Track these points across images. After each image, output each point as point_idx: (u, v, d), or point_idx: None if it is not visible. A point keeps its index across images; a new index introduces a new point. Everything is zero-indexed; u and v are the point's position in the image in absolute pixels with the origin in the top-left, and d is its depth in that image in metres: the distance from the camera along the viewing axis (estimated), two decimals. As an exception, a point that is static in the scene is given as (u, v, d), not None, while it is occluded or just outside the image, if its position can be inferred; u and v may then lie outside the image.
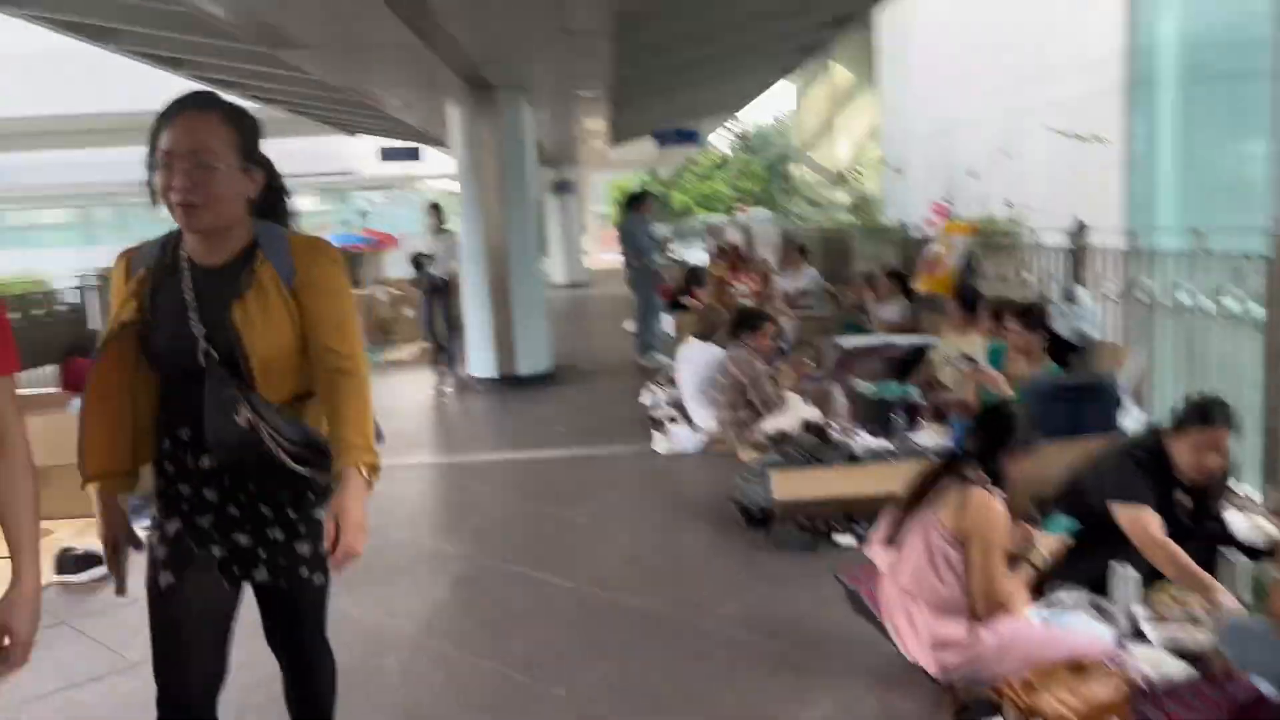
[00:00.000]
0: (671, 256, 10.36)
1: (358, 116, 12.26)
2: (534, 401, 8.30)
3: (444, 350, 9.28)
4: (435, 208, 9.33)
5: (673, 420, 6.87)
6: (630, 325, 12.55)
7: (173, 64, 8.27)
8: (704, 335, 6.73)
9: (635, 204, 9.80)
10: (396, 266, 20.47)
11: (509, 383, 8.86)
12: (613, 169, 42.53)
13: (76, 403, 2.12)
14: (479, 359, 9.03)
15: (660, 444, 6.28)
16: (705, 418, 6.61)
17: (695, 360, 6.69)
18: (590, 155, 23.43)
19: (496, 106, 8.62)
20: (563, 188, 21.36)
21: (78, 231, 48.92)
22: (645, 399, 7.76)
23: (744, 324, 6.29)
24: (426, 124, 11.67)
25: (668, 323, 10.99)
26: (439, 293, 9.19)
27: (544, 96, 9.45)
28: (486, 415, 8.12)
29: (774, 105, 55.88)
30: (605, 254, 38.19)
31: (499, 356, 8.86)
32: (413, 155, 17.66)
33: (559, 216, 21.57)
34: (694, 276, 12.81)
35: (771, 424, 6.09)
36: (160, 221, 2.01)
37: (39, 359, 7.77)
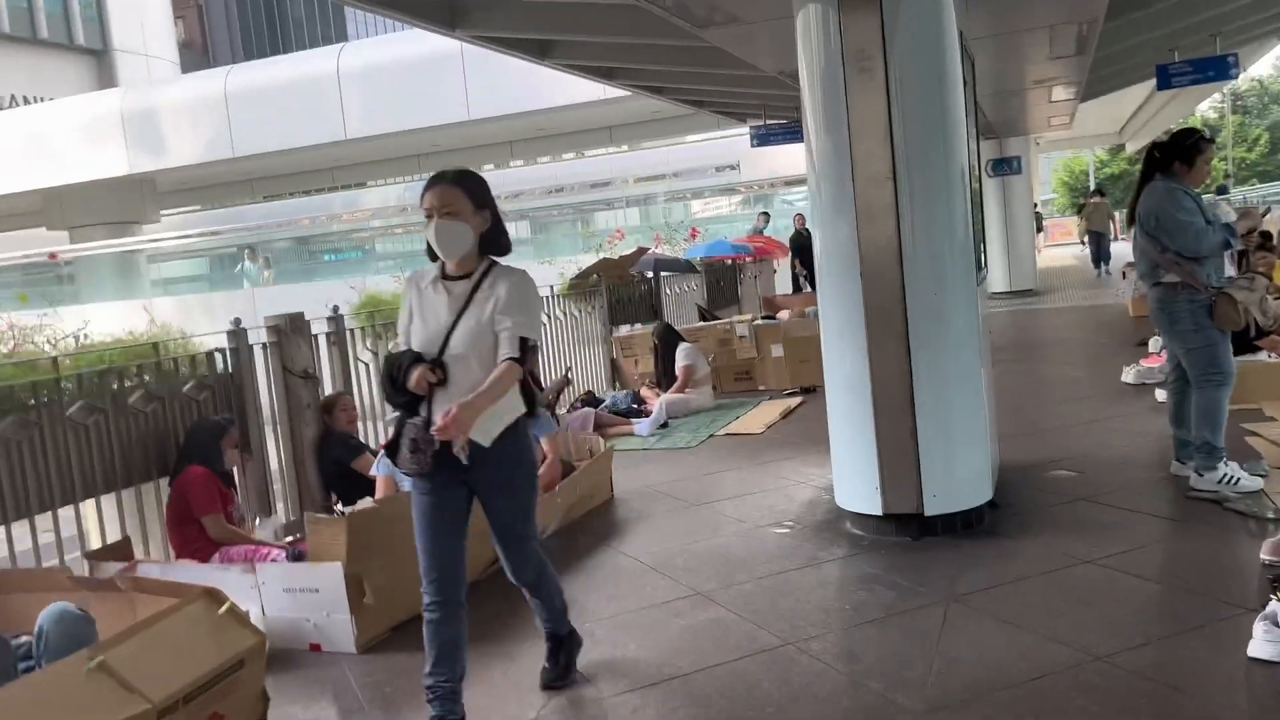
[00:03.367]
0: (1239, 249, 5.15)
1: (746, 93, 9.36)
2: (946, 592, 3.63)
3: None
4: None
5: None
6: (1130, 374, 7.41)
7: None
8: None
9: (1169, 156, 4.77)
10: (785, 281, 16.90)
11: (901, 528, 4.34)
12: (1054, 148, 35.23)
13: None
14: (846, 477, 4.62)
15: None
16: None
17: None
18: (1038, 122, 17.82)
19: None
20: (1003, 166, 16.04)
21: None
22: (1267, 645, 2.92)
23: None
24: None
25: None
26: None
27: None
28: (807, 658, 3.35)
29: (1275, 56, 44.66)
30: (1054, 248, 31.17)
31: (884, 475, 4.37)
32: (794, 136, 13.71)
33: (998, 203, 16.20)
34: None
35: None
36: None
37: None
